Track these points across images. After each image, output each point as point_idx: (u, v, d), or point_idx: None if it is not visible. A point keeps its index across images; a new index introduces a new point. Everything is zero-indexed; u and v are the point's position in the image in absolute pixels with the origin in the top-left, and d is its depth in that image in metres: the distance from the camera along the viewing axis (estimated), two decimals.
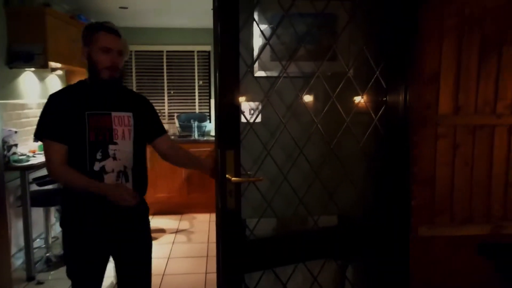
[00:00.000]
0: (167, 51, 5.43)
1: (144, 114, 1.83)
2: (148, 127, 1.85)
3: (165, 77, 5.47)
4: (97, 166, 1.66)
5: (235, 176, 1.47)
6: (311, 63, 1.74)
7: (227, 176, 1.47)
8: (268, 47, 1.70)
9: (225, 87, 1.50)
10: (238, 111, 1.55)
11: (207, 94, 5.55)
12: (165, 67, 5.46)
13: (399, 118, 1.76)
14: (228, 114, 1.51)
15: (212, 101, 5.46)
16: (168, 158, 1.99)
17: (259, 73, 1.77)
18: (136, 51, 5.38)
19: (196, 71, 5.49)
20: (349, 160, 1.78)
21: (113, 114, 1.70)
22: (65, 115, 1.63)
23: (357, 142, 1.77)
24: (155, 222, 4.59)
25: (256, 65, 1.77)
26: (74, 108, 1.64)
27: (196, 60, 5.47)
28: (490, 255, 0.94)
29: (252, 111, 1.75)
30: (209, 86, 5.47)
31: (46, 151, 1.66)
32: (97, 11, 4.46)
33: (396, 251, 1.80)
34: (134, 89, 5.40)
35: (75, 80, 1.93)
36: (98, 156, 1.66)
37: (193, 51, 5.44)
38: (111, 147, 1.67)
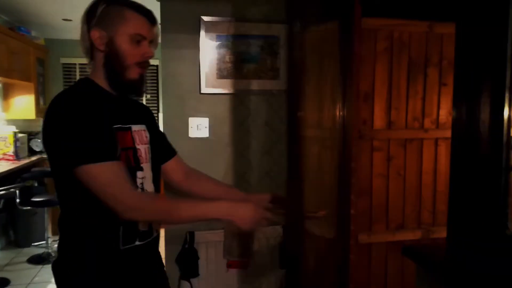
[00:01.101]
0: None
1: (155, 126, 1.35)
2: (159, 144, 1.34)
3: None
4: None
5: None
6: (255, 81, 1.83)
7: None
8: (215, 65, 1.77)
9: None
10: None
11: (156, 108, 5.51)
12: None
13: (338, 133, 1.90)
14: None
15: (161, 115, 5.43)
16: (187, 186, 1.41)
17: (206, 90, 1.84)
18: (80, 64, 5.25)
19: None
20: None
21: (133, 128, 1.21)
22: (99, 129, 1.10)
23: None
24: None
25: (203, 82, 1.83)
26: (102, 121, 1.12)
27: None
28: (411, 256, 1.05)
29: (198, 126, 1.81)
30: (157, 100, 5.44)
31: (103, 177, 1.06)
32: (39, 23, 4.32)
33: (338, 258, 1.91)
34: None
35: (14, 94, 1.71)
36: None
37: None
38: (138, 174, 1.19)
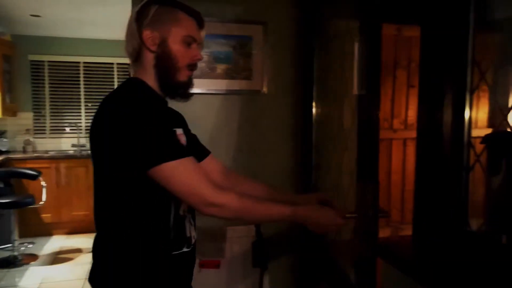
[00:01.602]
0: (84, 62, 5.22)
1: (188, 129, 1.35)
2: (194, 147, 1.33)
3: (82, 89, 5.25)
4: (181, 209, 1.16)
5: None
6: (228, 81, 1.83)
7: None
8: None
9: None
10: None
11: None
12: (82, 79, 5.24)
13: (311, 132, 1.93)
14: None
15: None
16: (229, 186, 1.35)
17: None
18: (49, 62, 5.10)
19: (116, 83, 5.34)
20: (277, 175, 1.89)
21: (177, 131, 1.20)
22: (170, 129, 1.12)
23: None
24: (71, 242, 4.34)
25: None
26: (168, 123, 1.14)
27: (116, 73, 5.33)
28: (379, 252, 1.09)
29: None
30: None
31: (183, 173, 1.04)
32: (4, 18, 4.17)
33: (313, 257, 1.94)
34: (47, 102, 5.11)
35: None
36: None
37: (112, 63, 5.29)
38: None
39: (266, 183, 1.41)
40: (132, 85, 1.15)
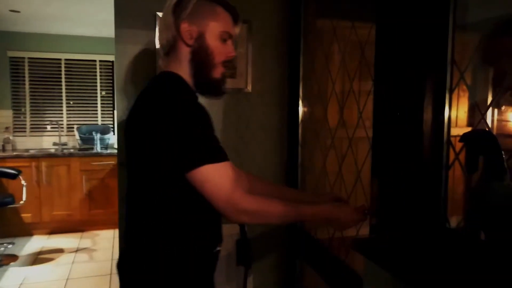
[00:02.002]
0: (65, 59, 5.13)
1: None
2: None
3: (63, 87, 5.15)
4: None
5: None
6: None
7: None
8: None
9: None
10: None
11: (111, 105, 5.35)
12: (63, 76, 5.15)
13: (297, 131, 1.94)
14: None
15: (116, 113, 5.29)
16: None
17: None
18: (30, 58, 4.99)
19: (98, 81, 5.27)
20: (262, 174, 1.89)
21: None
22: (213, 130, 1.08)
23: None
24: (52, 242, 4.27)
25: None
26: (211, 121, 1.10)
27: (98, 70, 5.25)
28: (360, 250, 1.10)
29: None
30: (113, 97, 5.28)
31: (218, 178, 1.01)
32: None
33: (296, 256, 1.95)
34: (28, 100, 5.01)
35: None
36: None
37: (95, 61, 5.21)
38: None
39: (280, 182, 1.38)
40: (171, 80, 1.10)
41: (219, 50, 1.10)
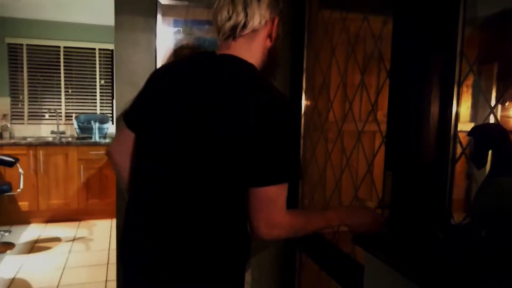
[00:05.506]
0: (64, 47, 5.08)
1: None
2: None
3: (62, 75, 5.11)
4: None
5: None
6: None
7: None
8: (172, 51, 1.72)
9: None
10: None
11: (110, 95, 5.31)
12: (62, 64, 5.10)
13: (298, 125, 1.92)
14: None
15: (115, 102, 5.26)
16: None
17: None
18: (28, 45, 4.94)
19: (97, 70, 5.22)
20: None
21: None
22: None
23: None
24: (49, 231, 4.26)
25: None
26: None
27: (97, 59, 5.20)
28: (361, 244, 1.08)
29: None
30: (112, 86, 5.25)
31: (281, 196, 0.95)
32: None
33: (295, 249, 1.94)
34: (26, 87, 4.97)
35: None
36: None
37: (94, 49, 5.17)
38: None
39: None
40: (258, 73, 1.01)
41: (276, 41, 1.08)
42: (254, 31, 1.00)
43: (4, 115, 4.79)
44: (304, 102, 1.96)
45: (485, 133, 0.78)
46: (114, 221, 4.43)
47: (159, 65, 1.78)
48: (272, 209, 0.93)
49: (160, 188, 0.97)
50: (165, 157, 0.97)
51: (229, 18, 0.98)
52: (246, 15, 0.98)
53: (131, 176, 1.10)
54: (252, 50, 1.01)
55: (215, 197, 0.94)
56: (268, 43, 1.04)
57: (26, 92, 4.98)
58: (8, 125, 4.74)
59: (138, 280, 1.02)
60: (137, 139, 1.06)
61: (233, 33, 0.99)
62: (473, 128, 0.84)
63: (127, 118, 1.10)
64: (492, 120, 0.93)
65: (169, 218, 0.96)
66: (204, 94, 0.94)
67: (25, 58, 4.96)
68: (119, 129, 1.14)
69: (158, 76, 1.07)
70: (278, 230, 0.96)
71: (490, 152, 0.79)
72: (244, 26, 0.98)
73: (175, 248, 0.95)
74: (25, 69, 4.97)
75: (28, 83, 4.99)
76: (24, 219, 4.43)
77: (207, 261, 0.96)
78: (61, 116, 5.06)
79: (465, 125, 1.14)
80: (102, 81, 5.27)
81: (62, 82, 5.11)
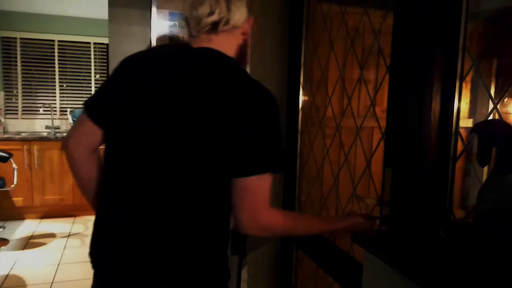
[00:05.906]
0: (59, 41, 5.02)
1: None
2: None
3: (56, 69, 5.05)
4: None
5: None
6: None
7: None
8: (167, 43, 1.69)
9: None
10: None
11: None
12: (56, 58, 5.04)
13: (294, 120, 1.90)
14: None
15: None
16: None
17: None
18: (22, 39, 4.88)
19: (92, 64, 5.17)
20: None
21: None
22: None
23: None
24: (44, 226, 4.22)
25: None
26: None
27: (92, 52, 5.15)
28: (360, 242, 1.07)
29: None
30: None
31: (263, 188, 0.95)
32: None
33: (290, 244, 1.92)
34: (20, 81, 4.91)
35: None
36: None
37: (89, 43, 5.11)
38: None
39: None
40: (237, 65, 1.05)
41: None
42: (235, 27, 1.03)
43: None
44: (301, 97, 1.94)
45: (489, 130, 0.76)
46: None
47: None
48: (253, 200, 0.93)
49: (139, 183, 0.96)
50: (141, 151, 0.96)
51: (211, 13, 0.99)
52: (229, 11, 1.01)
53: (102, 173, 1.06)
54: (231, 46, 1.04)
55: (196, 190, 0.94)
56: (241, 40, 1.07)
57: (20, 87, 4.92)
58: (2, 119, 4.69)
59: (114, 276, 1.01)
60: (107, 135, 1.02)
61: (215, 27, 1.01)
62: (476, 125, 0.82)
63: (92, 110, 1.04)
64: (493, 116, 0.91)
65: (152, 213, 0.95)
66: (185, 86, 0.94)
67: (18, 52, 4.89)
68: (79, 120, 1.09)
69: (130, 66, 1.04)
70: (261, 224, 0.97)
71: (494, 149, 0.77)
72: (227, 22, 1.01)
73: (157, 242, 0.95)
74: (19, 63, 4.91)
75: (22, 77, 4.93)
76: (18, 215, 4.40)
77: (188, 255, 0.96)
78: (55, 110, 5.00)
79: (464, 121, 1.12)
80: (97, 76, 5.22)
81: (57, 76, 5.06)
